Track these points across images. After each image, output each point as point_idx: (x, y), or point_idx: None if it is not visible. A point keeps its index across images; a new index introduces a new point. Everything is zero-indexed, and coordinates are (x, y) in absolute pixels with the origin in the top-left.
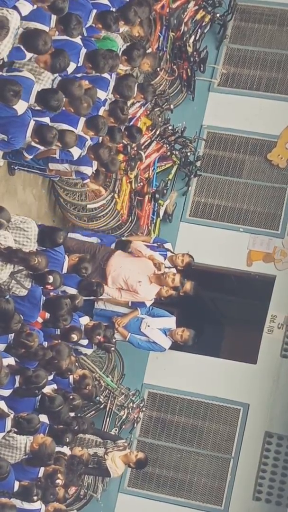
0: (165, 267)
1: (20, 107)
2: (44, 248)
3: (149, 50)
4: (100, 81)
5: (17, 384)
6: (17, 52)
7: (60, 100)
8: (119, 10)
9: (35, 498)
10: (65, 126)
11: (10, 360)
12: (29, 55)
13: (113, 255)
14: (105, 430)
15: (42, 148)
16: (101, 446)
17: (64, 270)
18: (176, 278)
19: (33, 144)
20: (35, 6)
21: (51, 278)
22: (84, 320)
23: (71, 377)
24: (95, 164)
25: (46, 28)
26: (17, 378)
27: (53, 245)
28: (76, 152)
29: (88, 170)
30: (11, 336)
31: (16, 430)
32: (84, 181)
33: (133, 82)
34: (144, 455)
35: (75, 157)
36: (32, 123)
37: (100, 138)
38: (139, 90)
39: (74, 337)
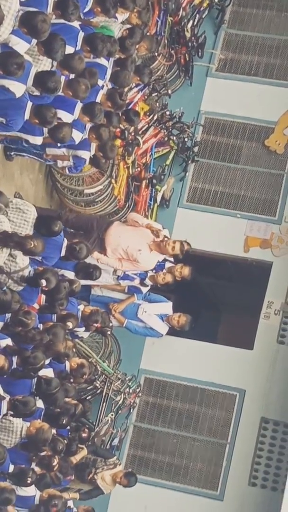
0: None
1: (18, 89)
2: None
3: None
4: (98, 68)
5: (14, 365)
6: (24, 36)
7: (57, 82)
8: None
9: (29, 480)
10: (62, 112)
11: (7, 341)
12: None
13: (111, 225)
14: (101, 415)
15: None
16: (91, 465)
17: (63, 253)
18: (176, 246)
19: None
20: None
21: (43, 282)
22: (81, 307)
23: (67, 363)
24: (93, 148)
25: None
26: (14, 359)
27: (49, 233)
28: (77, 136)
29: (86, 155)
30: (8, 314)
31: (12, 413)
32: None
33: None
34: (128, 481)
35: (77, 141)
36: (29, 105)
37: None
38: (135, 72)
39: (70, 324)
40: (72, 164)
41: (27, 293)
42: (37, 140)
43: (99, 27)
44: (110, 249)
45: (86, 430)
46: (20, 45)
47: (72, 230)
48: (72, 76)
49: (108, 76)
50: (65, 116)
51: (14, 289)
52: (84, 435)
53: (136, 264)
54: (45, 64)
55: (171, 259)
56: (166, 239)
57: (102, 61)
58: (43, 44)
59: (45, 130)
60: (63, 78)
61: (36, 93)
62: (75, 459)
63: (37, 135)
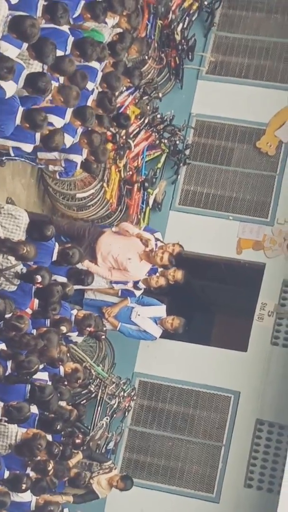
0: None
1: (9, 88)
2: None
3: None
4: (88, 71)
5: (9, 370)
6: (14, 41)
7: (47, 82)
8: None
9: (24, 486)
10: (53, 117)
11: (1, 346)
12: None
13: (103, 234)
14: (96, 419)
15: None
16: (86, 469)
17: (54, 257)
18: (165, 256)
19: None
20: None
21: (39, 278)
22: (74, 311)
23: (61, 368)
24: (84, 152)
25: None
26: (9, 364)
27: (42, 238)
28: (68, 140)
29: (77, 159)
30: None
31: (6, 419)
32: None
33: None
34: (124, 484)
35: (68, 145)
36: (21, 110)
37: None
38: (125, 74)
39: (64, 329)
40: (63, 169)
41: (20, 297)
42: (28, 148)
43: (89, 30)
44: (100, 258)
45: (80, 436)
46: (11, 51)
47: (65, 239)
48: (62, 79)
49: (98, 79)
50: (56, 121)
51: (6, 288)
52: (78, 441)
53: (126, 273)
54: (35, 68)
55: None
56: (159, 243)
57: (92, 63)
58: (34, 49)
59: (37, 138)
60: (54, 83)
61: (26, 94)
62: (71, 462)
63: (29, 143)
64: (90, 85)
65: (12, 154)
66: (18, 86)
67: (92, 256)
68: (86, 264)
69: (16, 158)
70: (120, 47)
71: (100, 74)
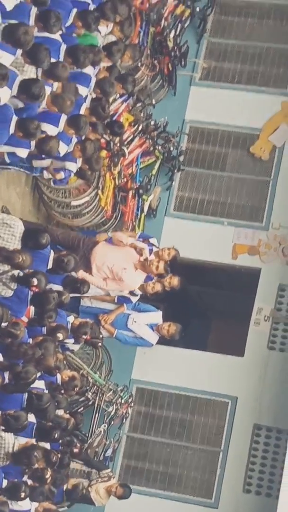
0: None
1: (3, 94)
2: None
3: None
4: (81, 77)
5: (6, 381)
6: (8, 48)
7: (41, 88)
8: (98, 7)
9: (23, 495)
10: (46, 125)
11: None
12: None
13: (97, 244)
14: (94, 426)
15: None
16: (85, 477)
17: (49, 265)
18: (160, 265)
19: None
20: (18, 1)
21: (35, 281)
22: (70, 319)
23: (58, 376)
24: (79, 160)
25: None
26: (6, 374)
27: (37, 246)
28: (62, 148)
29: (72, 166)
30: None
31: (3, 428)
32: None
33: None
34: (123, 490)
35: (62, 154)
36: (14, 119)
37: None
38: (119, 80)
39: (60, 336)
40: (63, 177)
41: (15, 305)
42: (23, 153)
43: (82, 35)
44: (95, 268)
45: (78, 445)
46: (5, 58)
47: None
48: (55, 84)
49: (92, 84)
50: (50, 129)
51: (3, 293)
52: (75, 450)
53: (121, 283)
54: (29, 75)
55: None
56: (154, 248)
57: (86, 69)
58: (29, 55)
59: (32, 143)
60: (48, 88)
61: (21, 105)
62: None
63: (23, 147)
64: (84, 91)
65: (8, 161)
66: (12, 93)
67: (87, 267)
68: (80, 274)
69: (10, 167)
70: (116, 48)
71: (94, 80)
